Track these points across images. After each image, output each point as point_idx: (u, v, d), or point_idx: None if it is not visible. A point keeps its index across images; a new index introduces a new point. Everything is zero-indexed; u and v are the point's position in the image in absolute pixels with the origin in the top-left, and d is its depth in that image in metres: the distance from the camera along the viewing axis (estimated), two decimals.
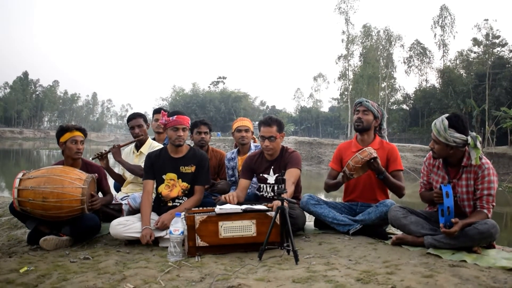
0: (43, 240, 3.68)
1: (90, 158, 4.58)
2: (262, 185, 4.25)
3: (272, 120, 4.09)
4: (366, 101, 4.25)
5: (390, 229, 4.15)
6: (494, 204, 3.42)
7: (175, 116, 3.99)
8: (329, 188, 4.31)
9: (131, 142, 4.89)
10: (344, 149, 4.43)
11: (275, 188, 4.09)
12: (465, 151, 3.44)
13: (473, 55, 51.05)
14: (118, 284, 2.72)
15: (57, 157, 31.80)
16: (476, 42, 49.26)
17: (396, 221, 3.63)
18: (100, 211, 4.19)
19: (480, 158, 3.40)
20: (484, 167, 3.41)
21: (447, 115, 3.46)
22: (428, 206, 3.84)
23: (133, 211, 4.19)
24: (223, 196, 3.72)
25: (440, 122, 3.41)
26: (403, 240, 3.54)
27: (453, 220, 3.19)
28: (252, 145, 4.95)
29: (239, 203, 3.65)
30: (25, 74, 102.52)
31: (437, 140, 3.43)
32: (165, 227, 3.70)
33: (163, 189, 4.03)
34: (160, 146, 4.73)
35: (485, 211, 3.38)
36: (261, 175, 4.23)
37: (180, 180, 4.03)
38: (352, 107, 4.53)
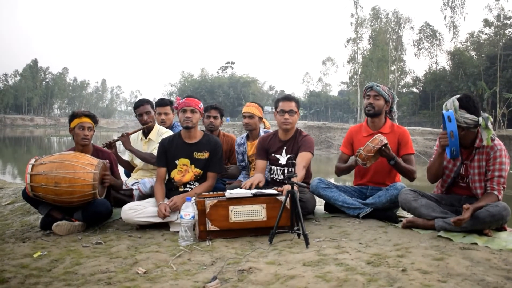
0: (56, 226, 3.73)
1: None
2: (273, 168, 4.25)
3: (291, 97, 4.20)
4: (377, 86, 4.20)
5: (401, 212, 4.14)
6: (505, 186, 3.40)
7: (185, 99, 4.02)
8: (340, 172, 4.29)
9: (139, 129, 4.90)
10: (355, 133, 4.40)
11: (286, 171, 4.09)
12: (477, 132, 3.41)
13: (484, 36, 50.41)
14: (130, 268, 2.75)
15: (68, 144, 32.04)
16: (487, 23, 48.55)
17: (406, 204, 3.62)
18: (111, 196, 4.23)
19: (493, 140, 3.36)
20: (496, 148, 3.38)
21: (458, 96, 3.43)
22: (439, 188, 3.80)
23: (143, 196, 4.22)
24: (243, 183, 3.70)
25: (451, 103, 3.38)
26: (413, 223, 3.54)
27: (464, 206, 3.16)
28: (262, 131, 4.93)
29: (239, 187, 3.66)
30: (35, 61, 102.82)
31: None
32: (176, 208, 3.73)
33: (175, 174, 4.05)
34: (169, 131, 4.74)
35: (496, 193, 3.35)
36: (273, 155, 4.22)
37: (192, 165, 4.04)
38: (362, 91, 4.48)
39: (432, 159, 3.70)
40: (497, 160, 3.37)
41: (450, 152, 3.33)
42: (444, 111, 3.36)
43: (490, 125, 3.33)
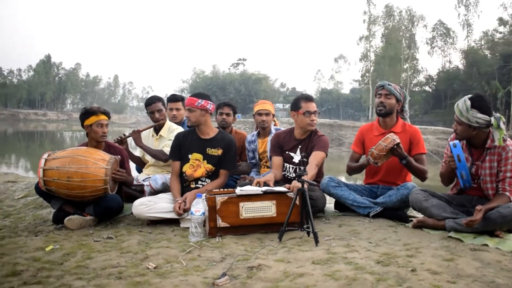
0: (68, 220, 3.77)
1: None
2: (286, 165, 4.25)
3: (312, 97, 4.27)
4: (389, 84, 4.17)
5: (411, 212, 4.13)
6: None
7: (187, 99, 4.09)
8: (352, 171, 4.28)
9: (150, 126, 4.92)
10: (366, 132, 4.38)
11: (297, 169, 4.10)
12: (489, 132, 3.39)
13: (498, 35, 50.03)
14: (141, 263, 2.77)
15: (80, 139, 32.27)
16: (501, 21, 48.17)
17: (417, 204, 3.61)
18: (122, 191, 4.26)
19: (504, 140, 3.34)
20: (508, 149, 3.36)
21: (470, 95, 3.41)
22: (451, 189, 3.80)
23: (154, 192, 4.25)
24: (255, 180, 3.69)
25: (462, 102, 3.36)
26: (424, 223, 3.53)
27: (477, 207, 3.15)
28: (273, 128, 4.93)
29: (250, 184, 3.68)
30: (48, 57, 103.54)
31: (460, 121, 3.38)
32: (187, 207, 3.75)
33: (187, 168, 4.07)
34: (180, 128, 4.76)
35: (508, 194, 3.33)
36: (287, 152, 4.23)
37: (205, 161, 4.06)
38: (374, 89, 4.46)
39: (443, 164, 3.70)
40: (509, 161, 3.34)
41: (461, 177, 3.39)
42: (452, 147, 3.40)
43: (502, 125, 3.31)
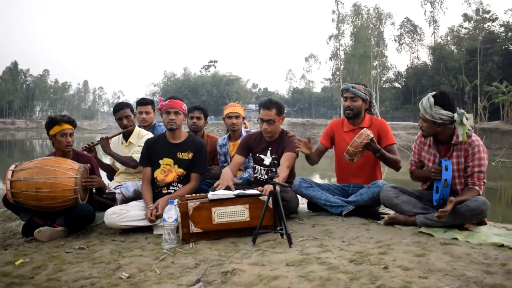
0: (38, 232, 3.69)
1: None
2: (257, 167, 4.26)
3: (272, 103, 4.09)
4: (352, 87, 4.20)
5: (383, 209, 4.18)
6: (485, 181, 3.45)
7: (168, 100, 4.03)
8: (311, 160, 4.32)
9: (119, 133, 4.86)
10: (336, 127, 4.41)
11: (269, 172, 4.10)
12: (454, 128, 3.46)
13: (464, 31, 51.04)
14: (114, 273, 2.74)
15: (50, 147, 31.58)
16: (466, 17, 49.16)
17: (388, 201, 3.66)
18: (94, 200, 4.19)
19: (470, 136, 3.41)
20: (474, 144, 3.43)
21: (433, 93, 3.48)
22: (421, 185, 3.86)
23: (126, 200, 4.20)
24: (216, 183, 3.71)
25: (426, 100, 3.44)
26: (395, 220, 3.58)
27: (449, 199, 3.21)
28: (243, 130, 4.94)
29: (228, 188, 3.67)
30: (15, 64, 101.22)
31: (425, 118, 3.46)
32: (159, 213, 3.71)
33: (158, 173, 4.04)
34: (149, 133, 4.72)
35: (477, 188, 3.41)
36: (257, 155, 4.23)
37: (176, 166, 4.04)
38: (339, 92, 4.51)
39: (412, 164, 3.83)
40: (476, 156, 3.42)
41: (435, 191, 3.43)
42: (443, 160, 3.44)
43: (465, 121, 3.38)
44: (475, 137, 3.48)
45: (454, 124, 3.42)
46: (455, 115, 3.36)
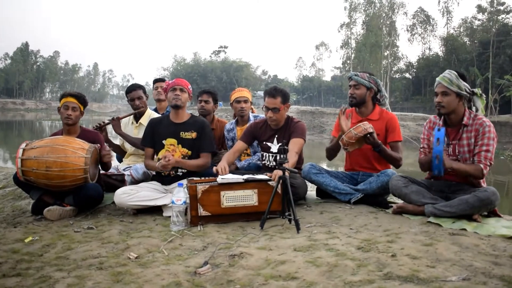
0: (47, 211, 3.72)
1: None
2: (265, 154, 4.26)
3: (277, 91, 4.06)
4: (355, 75, 4.19)
5: (391, 198, 4.17)
6: (492, 162, 3.41)
7: (174, 79, 4.07)
8: (329, 153, 4.29)
9: (131, 114, 4.87)
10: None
11: (278, 157, 4.10)
12: (464, 110, 3.48)
13: (477, 22, 50.62)
14: (122, 253, 2.76)
15: (59, 128, 31.82)
16: (480, 9, 48.67)
17: (397, 190, 3.64)
18: (102, 181, 4.22)
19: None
20: (485, 124, 3.42)
21: (449, 70, 3.51)
22: (428, 173, 3.84)
23: (135, 182, 4.21)
24: (214, 168, 3.70)
25: (448, 73, 3.46)
26: (403, 209, 3.56)
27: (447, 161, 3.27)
28: (251, 115, 4.92)
29: (231, 172, 3.67)
30: (26, 45, 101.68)
31: (449, 90, 3.42)
32: (171, 162, 3.80)
33: (163, 154, 4.05)
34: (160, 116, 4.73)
35: (481, 165, 3.38)
36: (264, 143, 4.22)
37: (180, 145, 4.04)
38: None
39: (421, 150, 3.77)
40: (486, 136, 3.40)
41: (435, 158, 3.37)
42: (436, 131, 3.38)
43: (483, 95, 3.48)
44: (485, 118, 3.48)
45: (472, 100, 3.48)
46: (476, 89, 3.37)
